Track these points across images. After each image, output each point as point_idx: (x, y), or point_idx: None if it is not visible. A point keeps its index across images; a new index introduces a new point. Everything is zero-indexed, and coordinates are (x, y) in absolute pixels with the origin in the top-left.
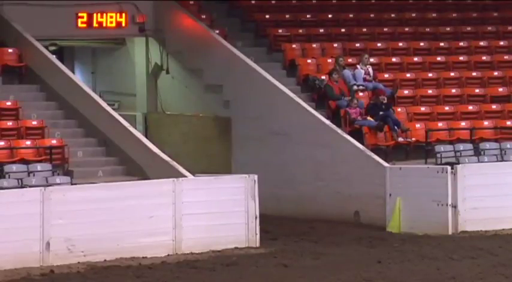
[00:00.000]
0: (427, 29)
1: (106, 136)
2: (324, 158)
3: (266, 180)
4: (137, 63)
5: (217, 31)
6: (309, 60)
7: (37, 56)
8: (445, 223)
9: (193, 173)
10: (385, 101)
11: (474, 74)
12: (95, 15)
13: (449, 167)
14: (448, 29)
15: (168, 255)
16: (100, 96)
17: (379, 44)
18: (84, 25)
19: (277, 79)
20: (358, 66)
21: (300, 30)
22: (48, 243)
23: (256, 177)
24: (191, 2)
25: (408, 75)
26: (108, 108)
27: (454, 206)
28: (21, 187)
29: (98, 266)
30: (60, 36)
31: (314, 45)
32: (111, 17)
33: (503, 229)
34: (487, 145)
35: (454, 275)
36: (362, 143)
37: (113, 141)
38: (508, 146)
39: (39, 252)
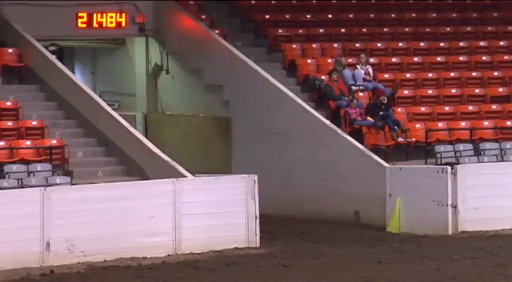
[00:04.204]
0: (427, 29)
1: (106, 136)
2: (324, 158)
3: (266, 180)
4: (137, 63)
5: (217, 31)
6: (309, 60)
7: (37, 56)
8: (445, 223)
9: (193, 173)
10: (385, 101)
11: (474, 74)
12: (95, 15)
13: (449, 167)
14: (448, 29)
15: (168, 255)
16: (100, 96)
17: (379, 44)
18: (84, 25)
19: (277, 79)
20: (358, 66)
21: (300, 30)
22: (48, 243)
23: (256, 177)
24: (191, 2)
25: (408, 75)
26: (108, 108)
27: (454, 206)
28: (21, 187)
29: (98, 266)
30: (60, 36)
31: (314, 45)
32: (111, 17)
33: (503, 229)
34: (487, 145)
35: (454, 275)
36: (362, 143)
37: (113, 141)
38: (508, 146)
39: (39, 252)
